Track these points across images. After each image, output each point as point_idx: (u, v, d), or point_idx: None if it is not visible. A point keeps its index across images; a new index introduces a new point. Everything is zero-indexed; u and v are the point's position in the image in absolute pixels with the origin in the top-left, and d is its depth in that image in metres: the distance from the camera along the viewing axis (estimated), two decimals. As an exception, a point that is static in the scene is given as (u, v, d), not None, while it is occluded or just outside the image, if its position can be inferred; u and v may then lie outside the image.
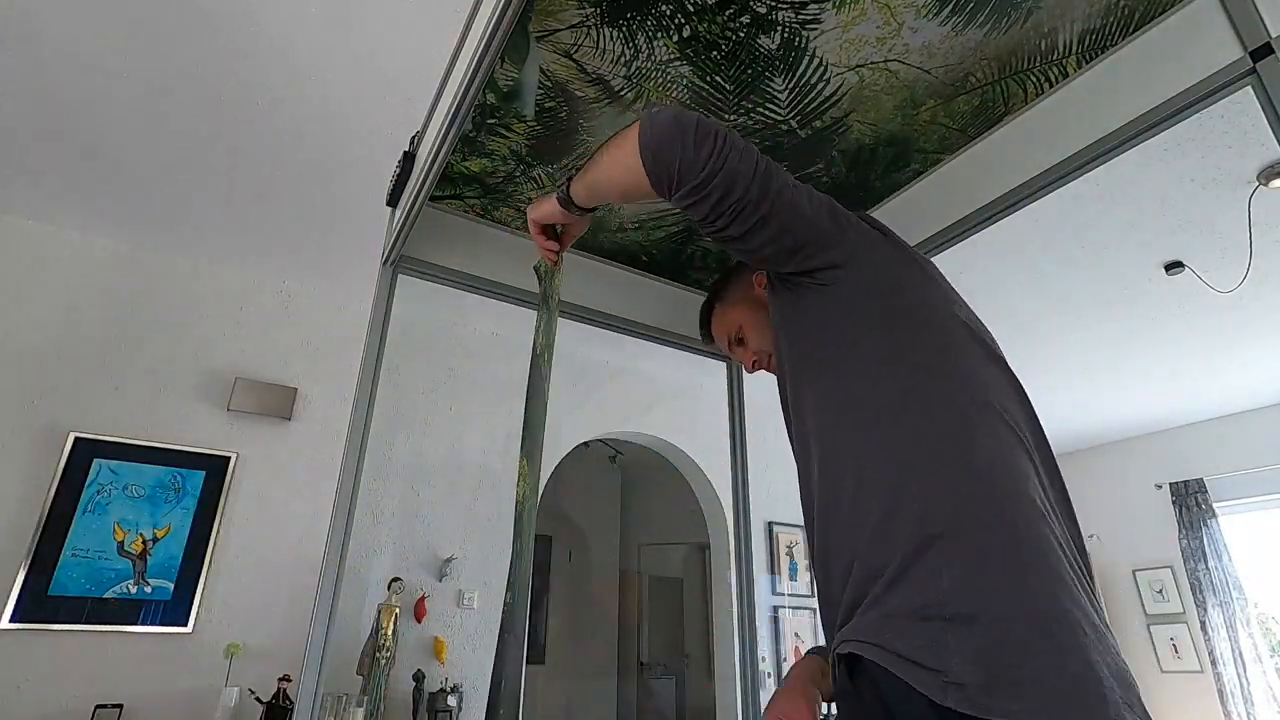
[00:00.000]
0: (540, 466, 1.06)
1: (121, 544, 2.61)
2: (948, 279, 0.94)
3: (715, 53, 1.10)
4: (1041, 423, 0.82)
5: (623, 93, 1.17)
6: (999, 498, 0.64)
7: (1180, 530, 4.91)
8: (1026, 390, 0.84)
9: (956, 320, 0.83)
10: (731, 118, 1.23)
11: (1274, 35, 0.86)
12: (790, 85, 1.16)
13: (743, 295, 1.15)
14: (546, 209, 0.99)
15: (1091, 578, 0.69)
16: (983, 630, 0.57)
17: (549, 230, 1.05)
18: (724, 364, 1.91)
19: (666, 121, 0.76)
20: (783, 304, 0.93)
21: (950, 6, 1.03)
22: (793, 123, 1.24)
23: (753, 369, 1.16)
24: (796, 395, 0.89)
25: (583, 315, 1.65)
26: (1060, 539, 0.65)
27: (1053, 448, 0.83)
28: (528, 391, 1.08)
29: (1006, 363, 0.85)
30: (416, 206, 1.23)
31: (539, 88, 1.17)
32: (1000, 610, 0.58)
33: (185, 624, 2.62)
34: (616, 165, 0.82)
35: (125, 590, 2.57)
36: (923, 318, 0.80)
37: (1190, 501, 4.90)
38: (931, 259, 1.06)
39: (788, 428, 0.96)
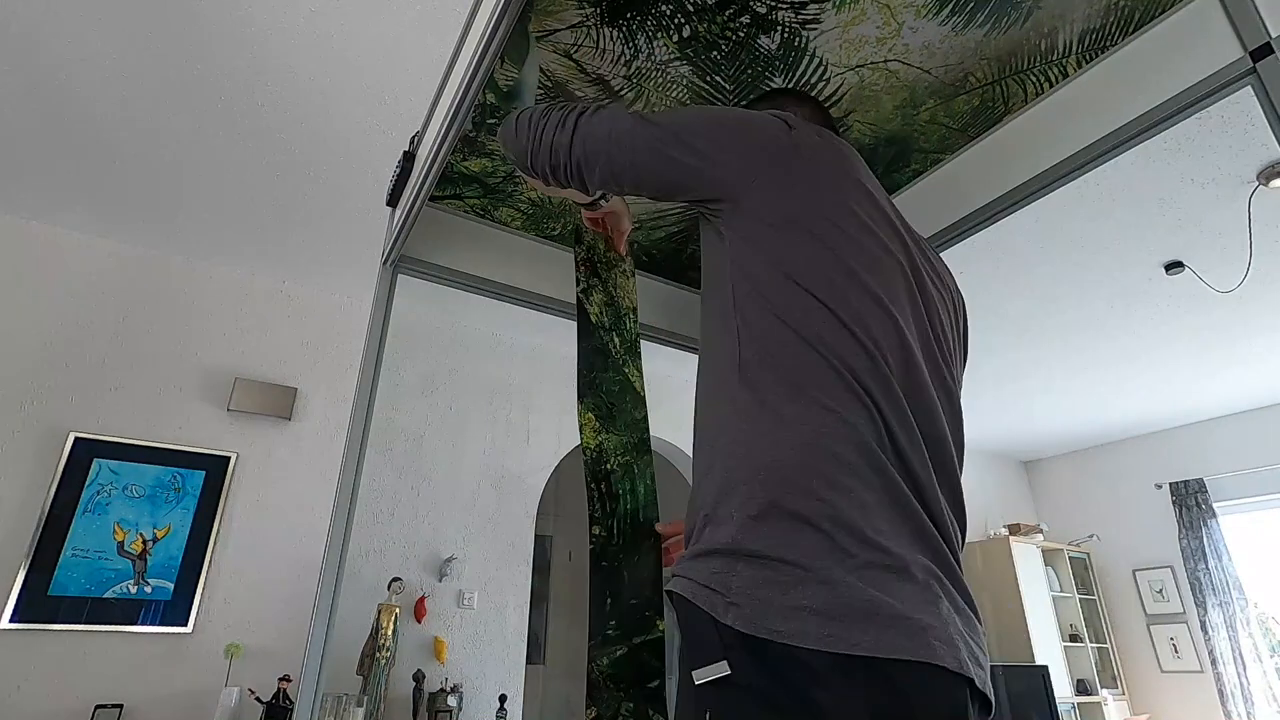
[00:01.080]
0: (617, 416, 1.08)
1: (121, 544, 2.61)
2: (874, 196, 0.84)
3: (715, 53, 1.10)
4: (941, 372, 0.80)
5: (623, 93, 1.17)
6: (800, 457, 0.69)
7: (1180, 530, 4.91)
8: (940, 335, 0.83)
9: (834, 276, 0.76)
10: (731, 118, 1.23)
11: (1274, 35, 0.86)
12: (790, 85, 1.16)
13: None
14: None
15: (954, 520, 0.73)
16: (762, 564, 0.65)
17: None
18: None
19: (504, 129, 0.94)
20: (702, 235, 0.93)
21: (950, 6, 1.03)
22: (793, 123, 1.24)
23: None
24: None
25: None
26: (881, 487, 0.68)
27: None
28: (577, 333, 1.14)
29: (905, 300, 0.80)
30: (416, 206, 1.23)
31: (539, 88, 1.17)
32: (780, 553, 0.65)
33: (185, 624, 2.62)
34: (526, 124, 0.93)
35: (125, 590, 2.57)
36: (792, 273, 0.76)
37: (1190, 501, 4.90)
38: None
39: None
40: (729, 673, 0.63)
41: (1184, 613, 4.85)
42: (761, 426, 0.72)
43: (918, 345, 0.77)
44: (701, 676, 0.65)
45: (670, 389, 3.03)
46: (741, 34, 1.07)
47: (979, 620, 0.71)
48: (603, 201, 1.08)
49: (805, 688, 0.60)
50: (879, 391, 0.71)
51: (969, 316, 1.03)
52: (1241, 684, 4.40)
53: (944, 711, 0.62)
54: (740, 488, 0.70)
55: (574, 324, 1.67)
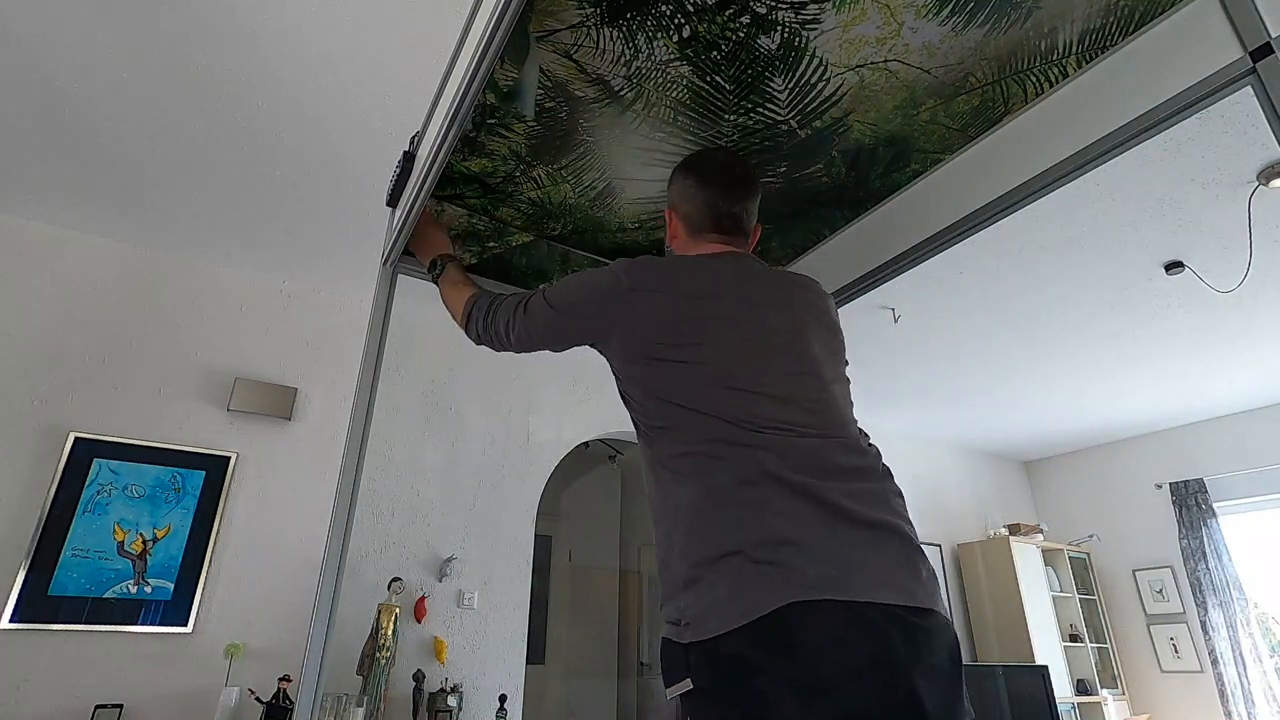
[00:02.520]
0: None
1: (121, 544, 2.61)
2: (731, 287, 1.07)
3: (715, 53, 1.10)
4: (811, 342, 1.05)
5: (623, 93, 1.17)
6: (686, 510, 0.92)
7: (1180, 530, 4.91)
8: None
9: (697, 348, 0.99)
10: (731, 118, 1.23)
11: (1274, 35, 0.86)
12: (790, 85, 1.16)
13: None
14: (427, 240, 1.44)
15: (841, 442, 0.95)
16: (695, 587, 0.86)
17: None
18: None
19: (467, 322, 1.29)
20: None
21: (950, 6, 1.03)
22: (793, 123, 1.24)
23: None
24: None
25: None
26: (750, 477, 0.89)
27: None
28: None
29: (766, 324, 1.03)
30: (416, 206, 1.23)
31: (539, 88, 1.17)
32: (698, 574, 0.86)
33: (185, 624, 2.62)
34: (454, 308, 1.33)
35: (125, 590, 2.57)
36: (662, 376, 1.00)
37: (1190, 501, 4.90)
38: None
39: None
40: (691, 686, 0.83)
41: (1184, 613, 4.85)
42: (674, 504, 0.95)
43: (767, 368, 0.99)
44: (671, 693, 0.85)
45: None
46: (741, 34, 1.07)
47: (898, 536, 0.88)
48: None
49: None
50: (738, 443, 0.92)
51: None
52: (1241, 684, 4.40)
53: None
54: (681, 538, 0.93)
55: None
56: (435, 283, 1.39)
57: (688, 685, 0.83)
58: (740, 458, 0.90)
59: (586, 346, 1.15)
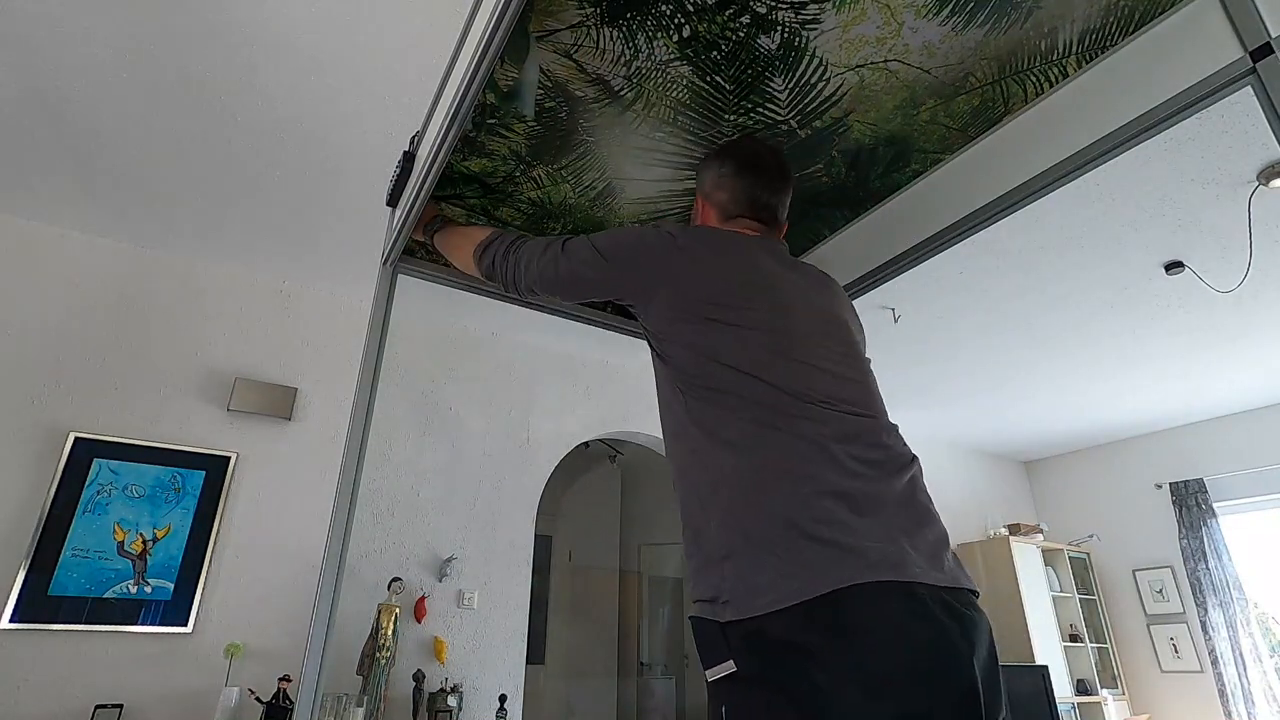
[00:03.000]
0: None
1: (121, 544, 2.61)
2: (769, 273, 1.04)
3: (715, 53, 1.10)
4: (840, 317, 1.06)
5: (622, 93, 1.17)
6: (734, 477, 0.87)
7: (1180, 530, 4.91)
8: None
9: (754, 313, 0.96)
10: (731, 118, 1.23)
11: (1274, 35, 0.86)
12: (790, 85, 1.16)
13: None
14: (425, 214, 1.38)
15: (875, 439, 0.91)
16: (737, 560, 0.81)
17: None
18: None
19: (484, 250, 1.24)
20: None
21: (950, 6, 1.03)
22: (793, 122, 1.24)
23: None
24: None
25: (583, 315, 1.65)
26: (805, 450, 0.86)
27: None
28: None
29: (798, 304, 1.01)
30: (416, 206, 1.23)
31: (539, 88, 1.17)
32: (741, 546, 0.81)
33: (185, 624, 2.62)
34: (461, 253, 1.30)
35: (125, 590, 2.57)
36: (715, 336, 0.96)
37: (1190, 501, 4.90)
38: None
39: None
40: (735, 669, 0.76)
41: (1184, 613, 4.84)
42: (710, 468, 0.91)
43: (800, 342, 0.97)
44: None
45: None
46: (741, 34, 1.07)
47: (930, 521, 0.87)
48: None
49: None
50: (790, 422, 0.89)
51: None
52: (1241, 684, 4.40)
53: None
54: (713, 511, 0.89)
55: (575, 324, 1.68)
56: (431, 240, 1.37)
57: (730, 668, 0.76)
58: (798, 430, 0.87)
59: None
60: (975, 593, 0.84)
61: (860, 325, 1.16)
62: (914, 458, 0.94)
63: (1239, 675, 4.41)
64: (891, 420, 0.99)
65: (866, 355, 1.11)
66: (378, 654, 2.71)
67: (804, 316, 0.99)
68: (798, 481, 0.83)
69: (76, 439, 2.63)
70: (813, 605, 0.73)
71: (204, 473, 2.81)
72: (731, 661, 0.76)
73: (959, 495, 5.42)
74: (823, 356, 0.95)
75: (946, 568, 0.82)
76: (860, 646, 0.72)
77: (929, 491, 0.93)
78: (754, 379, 0.90)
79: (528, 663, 3.29)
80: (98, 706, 2.37)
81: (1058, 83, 1.16)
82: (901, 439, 0.96)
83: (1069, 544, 5.33)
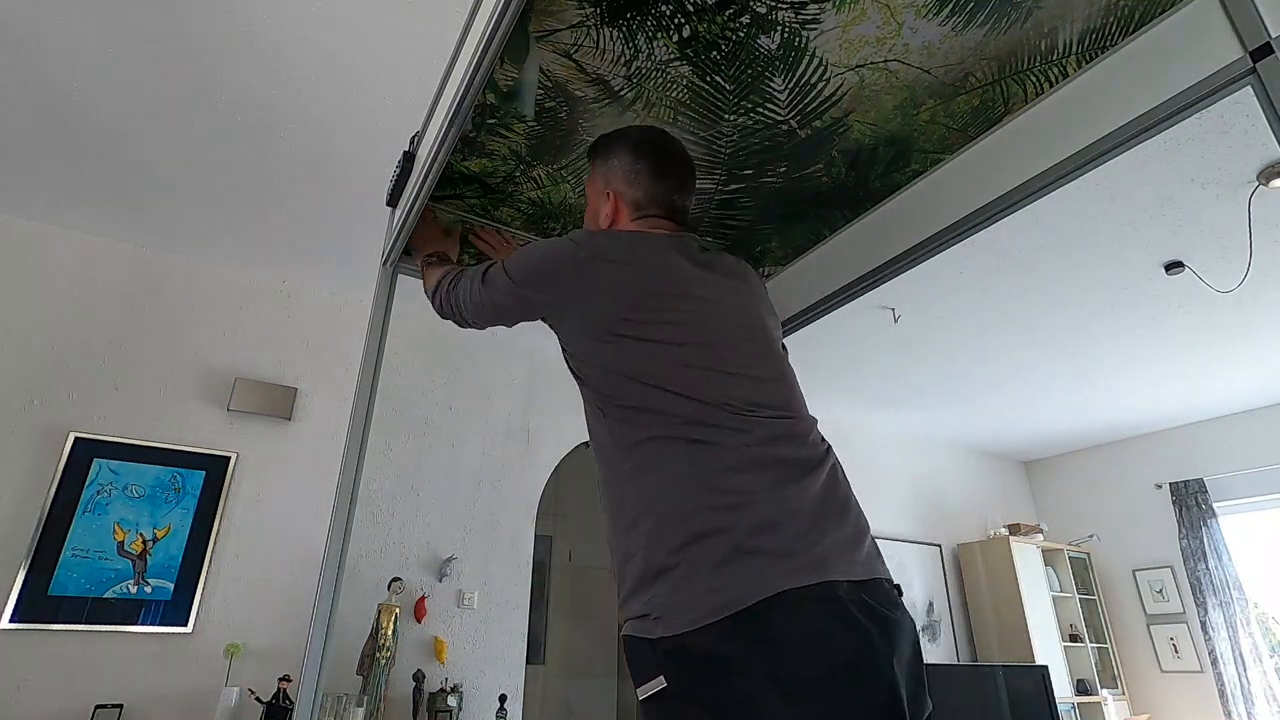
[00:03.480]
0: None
1: (121, 544, 2.61)
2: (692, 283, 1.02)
3: (715, 53, 1.10)
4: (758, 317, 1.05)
5: (622, 93, 1.17)
6: (660, 496, 0.87)
7: (1180, 530, 4.91)
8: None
9: (669, 326, 0.95)
10: (731, 118, 1.23)
11: (1274, 35, 0.86)
12: (790, 85, 1.16)
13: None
14: (435, 239, 1.44)
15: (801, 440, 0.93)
16: (669, 577, 0.81)
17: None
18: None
19: (434, 292, 1.29)
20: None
21: (950, 6, 1.03)
22: (793, 123, 1.24)
23: None
24: None
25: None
26: (728, 461, 0.86)
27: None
28: None
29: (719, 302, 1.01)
30: (416, 206, 1.23)
31: (539, 88, 1.17)
32: (673, 562, 0.82)
33: (185, 624, 2.62)
34: (429, 284, 1.32)
35: (125, 590, 2.57)
36: (629, 353, 0.96)
37: (1190, 501, 4.90)
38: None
39: None
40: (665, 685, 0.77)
41: (1184, 613, 4.84)
42: (640, 486, 0.91)
43: (725, 343, 0.97)
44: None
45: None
46: (741, 34, 1.07)
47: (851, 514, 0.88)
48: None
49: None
50: (709, 429, 0.89)
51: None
52: (1241, 684, 4.39)
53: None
54: (636, 531, 0.90)
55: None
56: (421, 267, 1.38)
57: (660, 684, 0.77)
58: (723, 441, 0.87)
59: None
60: (897, 587, 0.86)
61: (775, 314, 1.15)
62: (829, 448, 0.95)
63: (1239, 675, 4.41)
64: (811, 415, 1.00)
65: (782, 343, 1.11)
66: (378, 654, 2.71)
67: (719, 321, 0.98)
68: (729, 494, 0.83)
69: (76, 439, 2.63)
70: (739, 618, 0.74)
71: (204, 473, 2.81)
72: (661, 678, 0.77)
73: (959, 495, 5.42)
74: (739, 361, 0.95)
75: (864, 558, 0.84)
76: (780, 653, 0.73)
77: (850, 483, 0.94)
78: (670, 394, 0.90)
79: (528, 663, 3.29)
80: (98, 706, 2.37)
81: (1058, 83, 1.16)
82: (819, 433, 0.97)
83: (1069, 544, 5.32)
